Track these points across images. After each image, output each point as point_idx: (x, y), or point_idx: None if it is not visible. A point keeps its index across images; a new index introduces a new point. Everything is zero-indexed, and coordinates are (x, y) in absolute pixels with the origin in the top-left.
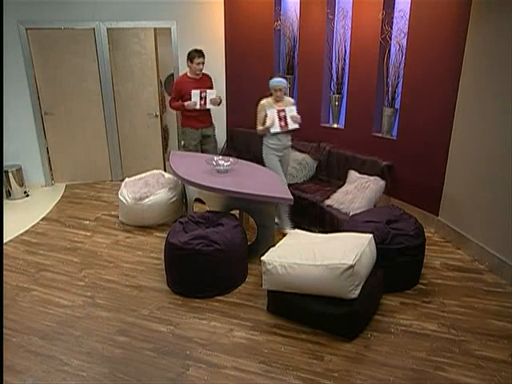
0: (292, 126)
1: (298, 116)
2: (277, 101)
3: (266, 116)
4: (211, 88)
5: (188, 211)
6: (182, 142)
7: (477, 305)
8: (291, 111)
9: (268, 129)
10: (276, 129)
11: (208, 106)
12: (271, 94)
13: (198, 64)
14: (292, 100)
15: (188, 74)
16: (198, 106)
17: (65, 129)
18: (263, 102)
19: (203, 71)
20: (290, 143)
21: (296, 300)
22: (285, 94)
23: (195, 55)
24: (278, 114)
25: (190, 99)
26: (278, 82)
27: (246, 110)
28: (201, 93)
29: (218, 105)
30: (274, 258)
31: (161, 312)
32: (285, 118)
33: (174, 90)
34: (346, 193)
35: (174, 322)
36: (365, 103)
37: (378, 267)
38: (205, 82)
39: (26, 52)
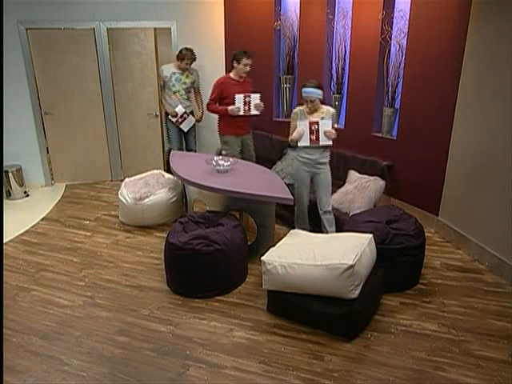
0: (324, 141)
1: (333, 131)
2: (312, 111)
3: None
4: (253, 92)
5: (188, 211)
6: (223, 152)
7: (477, 305)
8: (326, 125)
9: (296, 141)
10: (304, 142)
11: (252, 112)
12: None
13: (246, 65)
14: (332, 110)
15: (231, 76)
16: (241, 112)
17: (65, 129)
18: (296, 110)
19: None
20: (325, 160)
21: (296, 300)
22: (323, 103)
23: (243, 56)
24: (309, 126)
25: (233, 103)
26: (309, 92)
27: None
28: (245, 97)
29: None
30: (273, 258)
31: (161, 312)
32: (317, 131)
33: (214, 91)
34: (345, 193)
35: (174, 322)
36: (365, 103)
37: (378, 267)
38: (247, 86)
39: (26, 52)
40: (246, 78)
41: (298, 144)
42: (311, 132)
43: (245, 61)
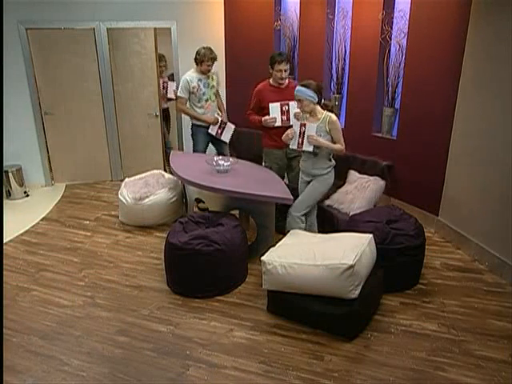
0: (306, 147)
1: (316, 138)
2: (310, 115)
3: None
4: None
5: (188, 211)
6: (263, 164)
7: (477, 305)
8: (310, 129)
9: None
10: (293, 145)
11: (292, 122)
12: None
13: (279, 71)
14: (333, 119)
15: (270, 82)
16: (278, 123)
17: (65, 129)
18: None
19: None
20: (318, 172)
21: (296, 300)
22: (328, 109)
23: (276, 60)
24: (300, 128)
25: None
26: (296, 90)
27: (245, 110)
28: (281, 106)
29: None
30: (274, 257)
31: (161, 312)
32: (303, 134)
33: (252, 100)
34: (345, 193)
35: (174, 322)
36: (365, 103)
37: (378, 267)
38: (288, 92)
39: (26, 52)
40: (290, 84)
41: (290, 146)
42: (300, 134)
43: (277, 66)
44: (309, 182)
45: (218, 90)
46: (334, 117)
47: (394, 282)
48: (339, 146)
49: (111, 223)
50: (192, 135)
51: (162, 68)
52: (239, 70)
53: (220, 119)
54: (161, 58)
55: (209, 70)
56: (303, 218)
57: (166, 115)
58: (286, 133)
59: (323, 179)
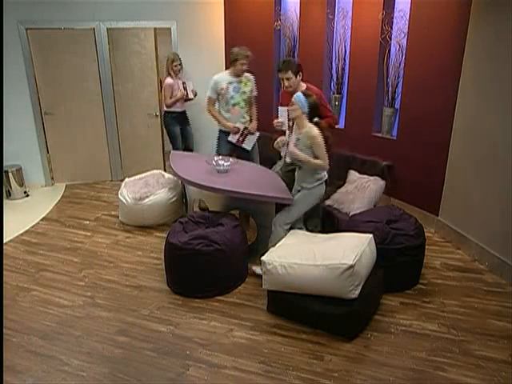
0: (288, 158)
1: (293, 150)
2: (297, 125)
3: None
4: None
5: (188, 211)
6: (274, 167)
7: (477, 305)
8: (291, 141)
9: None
10: (282, 152)
11: None
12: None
13: (281, 80)
14: (313, 134)
15: None
16: (285, 128)
17: (65, 129)
18: None
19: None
20: (306, 185)
21: (296, 300)
22: (315, 123)
23: (277, 68)
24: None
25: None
26: (295, 95)
27: None
28: (289, 111)
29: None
30: (273, 258)
31: (161, 312)
32: (288, 145)
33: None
34: (346, 193)
35: (174, 322)
36: (365, 103)
37: (378, 267)
38: None
39: (26, 52)
40: (312, 90)
41: (281, 153)
42: (287, 144)
43: (279, 74)
44: (299, 191)
45: (254, 98)
46: (315, 131)
47: (394, 282)
48: (319, 162)
49: (111, 223)
50: (218, 138)
51: (177, 67)
52: None
53: (242, 128)
54: (175, 57)
55: (243, 71)
56: (286, 230)
57: (183, 118)
58: (277, 140)
59: (308, 192)
